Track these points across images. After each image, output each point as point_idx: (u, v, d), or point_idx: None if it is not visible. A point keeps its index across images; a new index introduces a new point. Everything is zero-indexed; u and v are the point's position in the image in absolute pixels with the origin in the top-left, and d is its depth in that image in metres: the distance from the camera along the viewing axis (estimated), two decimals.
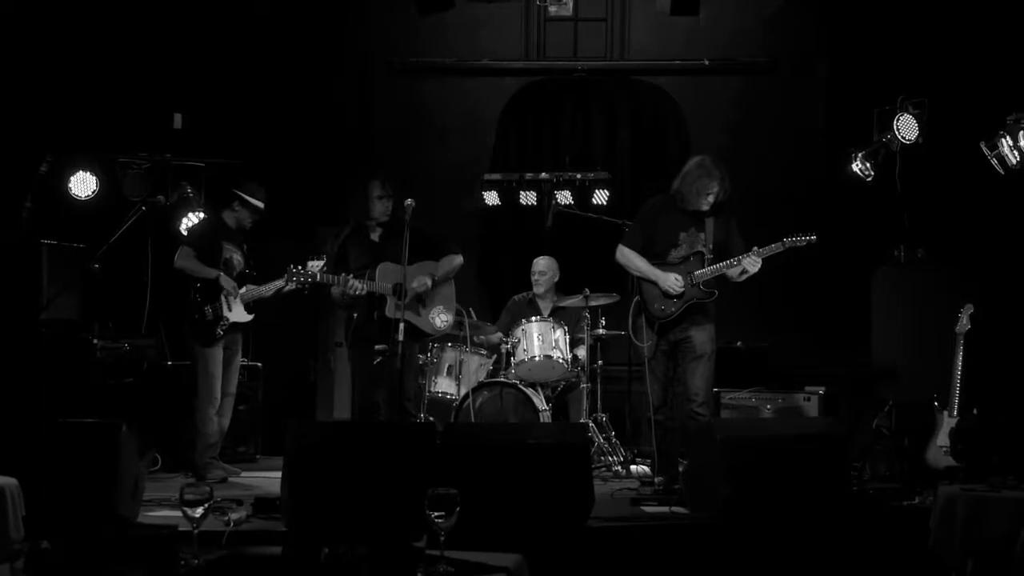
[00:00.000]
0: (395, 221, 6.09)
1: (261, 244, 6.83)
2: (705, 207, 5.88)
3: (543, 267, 7.55)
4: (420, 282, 6.05)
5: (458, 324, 6.75)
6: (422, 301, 6.11)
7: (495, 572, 3.12)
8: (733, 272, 5.84)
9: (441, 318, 6.21)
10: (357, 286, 5.91)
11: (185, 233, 7.08)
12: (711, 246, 5.88)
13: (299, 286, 5.98)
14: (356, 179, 6.35)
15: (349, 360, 6.45)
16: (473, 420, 6.68)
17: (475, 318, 7.27)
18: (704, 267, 5.83)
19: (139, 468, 4.81)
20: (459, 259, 6.30)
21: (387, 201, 6.14)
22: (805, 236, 5.87)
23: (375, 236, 6.21)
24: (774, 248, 5.85)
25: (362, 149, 8.69)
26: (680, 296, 5.84)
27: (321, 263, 6.35)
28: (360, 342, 6.17)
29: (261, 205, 6.55)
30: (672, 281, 5.81)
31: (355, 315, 6.16)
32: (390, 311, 5.96)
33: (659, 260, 5.92)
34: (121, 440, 4.56)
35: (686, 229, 5.92)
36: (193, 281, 6.38)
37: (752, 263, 5.79)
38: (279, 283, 6.38)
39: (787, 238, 5.86)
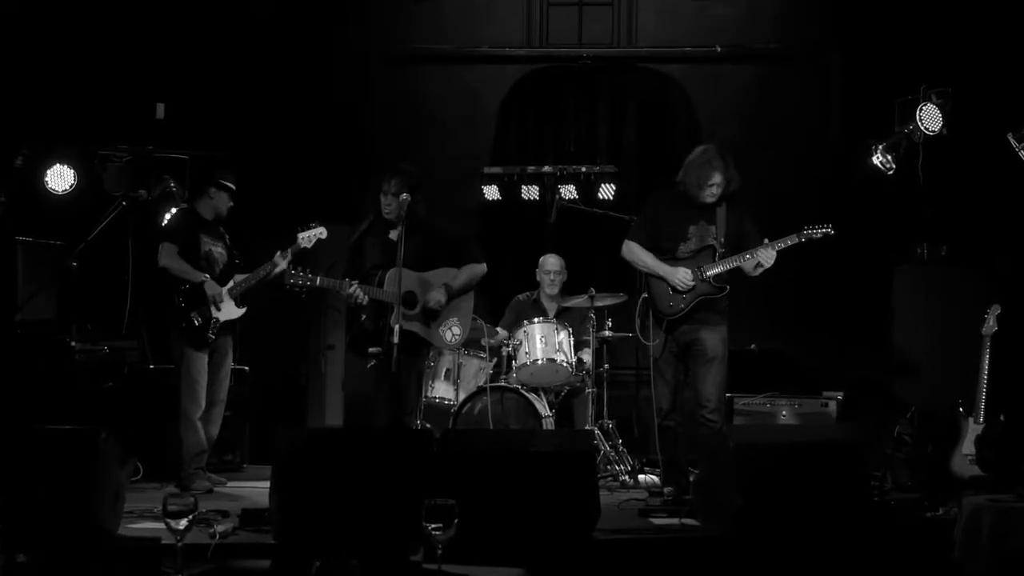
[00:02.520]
0: (414, 221, 5.93)
1: (251, 237, 6.82)
2: (709, 199, 5.87)
3: (557, 266, 7.53)
4: (435, 300, 5.91)
5: (476, 333, 6.70)
6: (433, 314, 5.95)
7: None
8: (748, 265, 5.84)
9: (453, 331, 6.04)
10: (359, 295, 5.82)
11: (163, 227, 6.97)
12: (722, 239, 5.87)
13: (297, 290, 5.89)
14: (376, 173, 6.23)
15: (345, 363, 6.34)
16: (472, 427, 6.68)
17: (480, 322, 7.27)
18: (715, 261, 5.84)
19: (120, 477, 4.80)
20: (482, 267, 6.11)
21: (389, 199, 5.94)
22: (822, 228, 5.86)
23: (393, 235, 6.02)
24: (789, 241, 5.84)
25: (355, 140, 8.68)
26: (690, 291, 5.83)
27: (315, 232, 6.26)
28: (361, 347, 6.07)
29: (233, 186, 6.52)
30: (681, 276, 5.81)
31: (363, 316, 6.07)
32: (396, 321, 5.91)
33: (668, 255, 5.92)
34: (100, 448, 4.55)
35: (695, 222, 5.92)
36: (177, 284, 6.34)
37: (766, 256, 5.79)
38: (267, 267, 6.34)
39: (803, 230, 5.86)
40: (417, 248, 5.85)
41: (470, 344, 7.15)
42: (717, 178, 5.81)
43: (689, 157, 5.95)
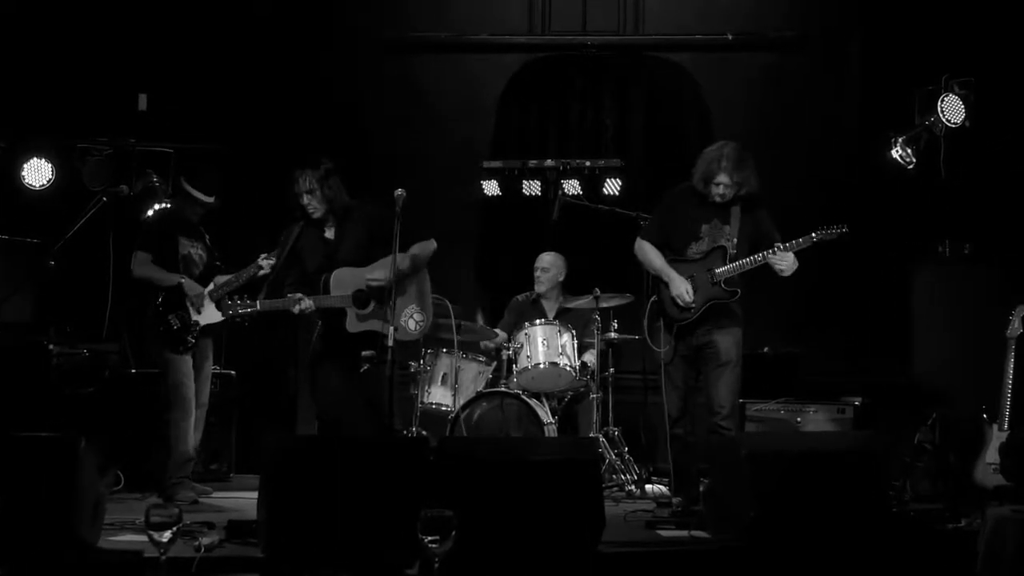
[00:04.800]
0: (345, 215, 5.94)
1: (243, 235, 6.81)
2: (717, 198, 5.83)
3: (546, 263, 7.55)
4: (377, 279, 5.74)
5: (446, 322, 6.67)
6: (388, 304, 5.72)
7: None
8: (774, 266, 5.80)
9: (415, 319, 5.93)
10: (307, 305, 5.78)
11: (138, 233, 6.90)
12: (735, 240, 5.85)
13: (239, 320, 5.84)
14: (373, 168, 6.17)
15: (307, 377, 6.20)
16: (471, 434, 6.69)
17: (481, 322, 7.27)
18: (727, 263, 5.82)
19: (100, 487, 4.81)
20: (431, 244, 5.99)
21: (307, 197, 5.87)
22: (836, 228, 5.82)
23: (329, 232, 6.01)
24: (802, 243, 5.80)
25: (349, 133, 8.67)
26: (696, 297, 5.81)
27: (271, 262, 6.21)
28: (319, 357, 6.01)
29: (208, 200, 6.43)
30: (681, 290, 5.79)
31: (319, 322, 5.99)
32: (351, 325, 5.82)
33: (678, 255, 5.92)
34: (80, 456, 4.56)
35: (708, 221, 5.90)
36: (155, 289, 6.33)
37: (785, 260, 5.74)
38: (250, 270, 6.30)
39: (817, 231, 5.82)
40: (357, 239, 5.80)
41: (469, 347, 7.15)
42: (723, 178, 5.77)
43: (705, 149, 5.93)
